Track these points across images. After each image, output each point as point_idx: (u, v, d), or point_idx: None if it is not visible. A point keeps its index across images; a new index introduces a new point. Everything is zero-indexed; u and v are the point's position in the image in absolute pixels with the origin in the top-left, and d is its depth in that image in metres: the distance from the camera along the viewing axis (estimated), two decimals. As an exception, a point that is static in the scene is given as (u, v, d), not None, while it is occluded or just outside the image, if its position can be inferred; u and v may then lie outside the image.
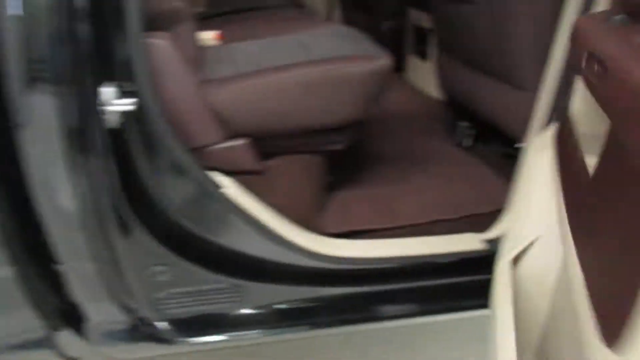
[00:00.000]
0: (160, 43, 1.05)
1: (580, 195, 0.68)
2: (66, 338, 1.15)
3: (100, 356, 1.21)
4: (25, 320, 1.08)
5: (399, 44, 2.47)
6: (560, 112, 0.99)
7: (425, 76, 2.30)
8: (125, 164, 1.01)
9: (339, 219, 1.44)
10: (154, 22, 1.09)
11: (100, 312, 1.14)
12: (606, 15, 0.84)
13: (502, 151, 1.83)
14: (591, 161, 0.72)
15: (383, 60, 1.33)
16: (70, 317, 1.14)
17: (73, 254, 1.02)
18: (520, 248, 1.00)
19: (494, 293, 0.96)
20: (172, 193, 1.09)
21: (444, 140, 2.00)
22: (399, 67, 2.56)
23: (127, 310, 1.16)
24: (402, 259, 1.32)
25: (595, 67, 0.65)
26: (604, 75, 0.60)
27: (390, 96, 2.32)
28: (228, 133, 1.22)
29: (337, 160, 1.55)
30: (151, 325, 1.20)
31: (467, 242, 1.38)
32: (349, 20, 2.87)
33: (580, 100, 0.93)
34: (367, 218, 1.46)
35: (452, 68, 1.87)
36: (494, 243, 1.39)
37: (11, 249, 0.99)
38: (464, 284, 1.40)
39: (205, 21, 1.94)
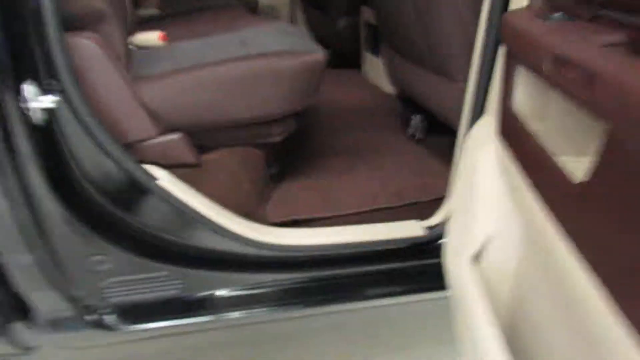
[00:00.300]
0: (85, 42, 1.10)
1: (570, 198, 0.70)
2: (19, 329, 1.19)
3: (53, 345, 1.26)
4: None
5: (354, 40, 2.53)
6: (499, 106, 0.99)
7: (379, 72, 2.37)
8: (54, 159, 1.05)
9: (282, 208, 1.49)
10: (80, 23, 1.14)
11: (45, 301, 1.18)
12: (536, 12, 0.86)
13: (451, 142, 1.89)
14: (562, 161, 0.73)
15: (315, 56, 1.39)
16: (19, 308, 1.18)
17: (10, 247, 1.06)
18: (476, 246, 1.01)
19: (462, 291, 0.96)
20: (105, 186, 1.14)
21: (396, 134, 2.06)
22: (356, 63, 2.62)
23: (71, 299, 1.20)
24: (343, 246, 1.38)
25: (572, 72, 0.65)
26: (588, 81, 0.60)
27: (347, 91, 2.41)
28: (162, 128, 1.27)
29: (281, 153, 1.61)
30: (96, 313, 1.25)
31: (408, 229, 1.44)
32: (309, 20, 2.94)
33: (526, 97, 0.92)
34: (310, 207, 1.51)
35: (396, 62, 1.94)
36: (435, 229, 1.46)
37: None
38: (406, 269, 1.46)
39: (155, 22, 2.00)
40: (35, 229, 1.05)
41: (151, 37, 1.63)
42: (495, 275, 1.01)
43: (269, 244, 1.30)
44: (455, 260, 1.06)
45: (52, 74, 0.99)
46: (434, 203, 1.57)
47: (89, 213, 1.13)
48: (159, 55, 1.50)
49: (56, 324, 1.21)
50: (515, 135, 0.92)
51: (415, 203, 1.60)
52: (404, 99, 2.15)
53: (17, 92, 0.95)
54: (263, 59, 1.33)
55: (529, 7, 0.97)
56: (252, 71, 1.30)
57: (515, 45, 0.90)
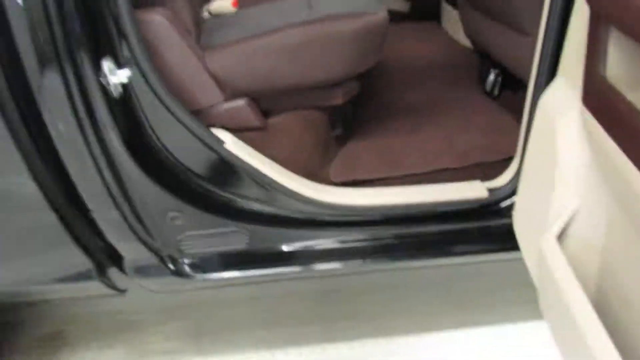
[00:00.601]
0: (156, 18, 1.20)
1: None
2: (113, 273, 1.39)
3: (140, 287, 1.44)
4: (75, 258, 1.32)
5: (433, -9, 2.45)
6: (584, 72, 0.90)
7: (458, 24, 2.28)
8: (131, 127, 1.18)
9: (344, 169, 1.55)
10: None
11: (132, 251, 1.35)
12: None
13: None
14: None
15: (376, 17, 1.39)
16: (113, 256, 1.36)
17: (100, 205, 1.23)
18: (562, 222, 0.98)
19: (551, 271, 0.92)
20: (179, 150, 1.26)
21: (470, 90, 2.01)
22: (436, 15, 2.53)
23: (153, 249, 1.36)
24: (402, 206, 1.41)
25: None
26: None
27: (424, 45, 2.35)
28: (229, 94, 1.36)
29: (345, 114, 1.65)
30: (176, 262, 1.40)
31: (471, 190, 1.44)
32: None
33: (619, 63, 0.83)
34: (371, 168, 1.55)
35: (471, 15, 1.86)
36: (500, 191, 1.44)
37: (54, 200, 1.21)
38: (469, 230, 1.47)
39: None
40: (119, 189, 1.20)
41: (224, 4, 1.71)
42: (582, 250, 0.99)
43: (328, 203, 1.37)
44: (537, 236, 1.03)
45: (127, 49, 1.11)
46: (500, 163, 1.55)
47: (165, 174, 1.26)
48: (229, 22, 1.57)
49: (141, 271, 1.38)
50: (607, 105, 0.84)
51: (481, 163, 1.58)
52: (481, 53, 2.07)
53: (97, 68, 1.07)
54: (323, 23, 1.36)
55: None
56: (312, 36, 1.34)
57: (604, 5, 0.82)
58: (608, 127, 0.84)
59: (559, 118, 1.01)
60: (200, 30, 1.56)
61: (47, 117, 1.07)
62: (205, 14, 1.73)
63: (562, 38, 1.17)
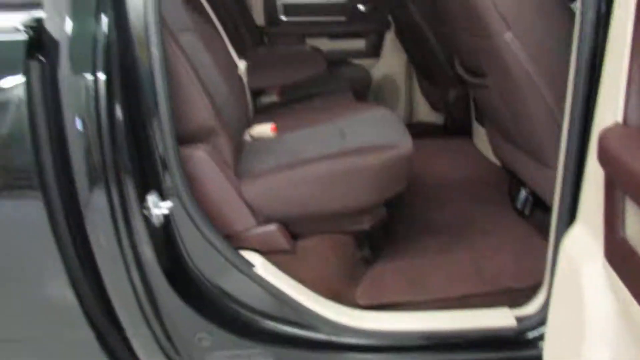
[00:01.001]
0: (198, 154, 1.33)
1: None
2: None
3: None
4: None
5: (465, 110, 2.56)
6: (605, 228, 0.94)
7: (486, 142, 2.36)
8: (169, 251, 1.28)
9: (371, 292, 1.57)
10: (195, 137, 1.38)
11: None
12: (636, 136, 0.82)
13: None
14: None
15: (401, 150, 1.49)
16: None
17: (132, 321, 1.30)
18: None
19: None
20: (211, 273, 1.34)
21: (501, 208, 2.03)
22: (468, 131, 2.64)
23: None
24: (427, 334, 1.42)
25: None
26: None
27: (455, 161, 2.43)
28: (261, 219, 1.45)
29: (373, 236, 1.71)
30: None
31: (498, 318, 1.43)
32: (423, 89, 3.04)
33: (637, 224, 0.85)
34: (397, 291, 1.58)
35: (496, 139, 1.94)
36: (528, 320, 1.43)
37: (93, 319, 1.30)
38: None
39: (273, 110, 2.26)
40: (152, 308, 1.27)
41: (264, 129, 1.86)
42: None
43: (353, 327, 1.40)
44: None
45: (171, 181, 1.23)
46: (529, 288, 1.54)
47: (196, 296, 1.33)
48: (267, 147, 1.71)
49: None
50: (628, 266, 0.87)
51: (509, 289, 1.58)
52: (511, 172, 2.12)
53: (142, 200, 1.19)
54: (351, 156, 1.46)
55: (625, 125, 0.93)
56: (341, 168, 1.44)
57: (618, 176, 0.86)
58: (630, 286, 0.86)
59: (584, 268, 1.03)
60: (241, 154, 1.71)
61: (90, 231, 1.18)
62: (247, 137, 1.89)
63: (580, 177, 1.22)
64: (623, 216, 0.87)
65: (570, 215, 1.26)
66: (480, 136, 2.46)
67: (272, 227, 1.46)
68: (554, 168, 1.48)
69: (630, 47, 0.90)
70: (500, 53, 1.36)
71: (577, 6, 1.13)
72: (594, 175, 1.05)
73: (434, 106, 3.06)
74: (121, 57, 1.11)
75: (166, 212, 1.22)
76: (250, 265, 1.37)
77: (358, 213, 1.54)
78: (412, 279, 1.62)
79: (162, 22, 1.16)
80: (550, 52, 1.33)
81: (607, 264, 0.94)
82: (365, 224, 1.55)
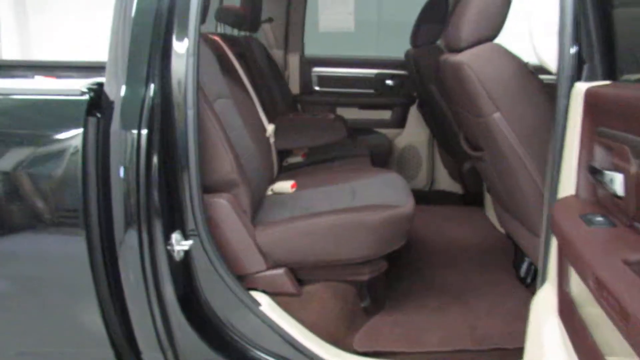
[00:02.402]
0: (221, 201, 1.54)
1: None
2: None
3: None
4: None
5: (478, 182, 2.71)
6: (558, 286, 1.09)
7: (496, 212, 2.50)
8: (186, 284, 1.46)
9: (368, 340, 1.70)
10: (219, 186, 1.59)
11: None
12: (581, 210, 0.96)
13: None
14: None
15: (401, 210, 1.65)
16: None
17: (147, 345, 1.46)
18: None
19: None
20: (222, 308, 1.51)
21: (504, 275, 2.14)
22: (481, 202, 2.77)
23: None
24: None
25: (611, 300, 0.69)
26: (624, 317, 0.65)
27: (465, 229, 2.57)
28: (271, 264, 1.62)
29: (374, 288, 1.84)
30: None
31: None
32: (443, 160, 3.22)
33: (580, 285, 0.95)
34: (393, 341, 1.69)
35: (497, 207, 2.08)
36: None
37: (115, 341, 1.47)
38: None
39: (298, 169, 2.48)
40: (167, 336, 1.44)
41: (285, 186, 2.07)
42: None
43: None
44: None
45: (194, 223, 1.43)
46: (520, 350, 1.63)
47: (207, 328, 1.49)
48: (284, 201, 1.91)
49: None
50: (570, 318, 0.99)
51: (500, 348, 1.67)
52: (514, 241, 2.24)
53: (167, 238, 1.38)
54: (356, 212, 1.64)
55: (576, 197, 1.08)
56: (345, 222, 1.62)
57: (563, 247, 1.01)
58: (571, 336, 0.99)
59: (545, 323, 1.15)
60: (261, 206, 1.91)
61: (122, 266, 1.37)
62: (269, 192, 2.09)
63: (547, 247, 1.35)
64: (567, 274, 1.01)
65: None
66: (490, 206, 2.59)
67: (280, 271, 1.63)
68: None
69: (579, 136, 1.08)
70: (491, 132, 1.54)
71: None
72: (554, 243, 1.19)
73: (452, 176, 3.22)
74: (162, 116, 1.35)
75: (187, 248, 1.41)
76: (257, 304, 1.53)
77: (359, 264, 1.69)
78: (408, 332, 1.73)
79: (198, 88, 1.40)
80: (537, 133, 1.50)
81: (559, 319, 1.07)
82: (365, 275, 1.70)
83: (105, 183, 1.34)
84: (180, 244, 1.40)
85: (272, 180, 2.23)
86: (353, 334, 1.71)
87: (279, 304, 1.60)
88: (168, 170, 1.40)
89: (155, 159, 1.34)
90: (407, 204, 1.69)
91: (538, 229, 1.65)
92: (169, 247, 1.38)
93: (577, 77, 1.21)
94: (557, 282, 1.10)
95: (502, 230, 2.41)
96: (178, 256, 1.40)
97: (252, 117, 2.16)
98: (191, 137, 1.39)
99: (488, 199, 2.63)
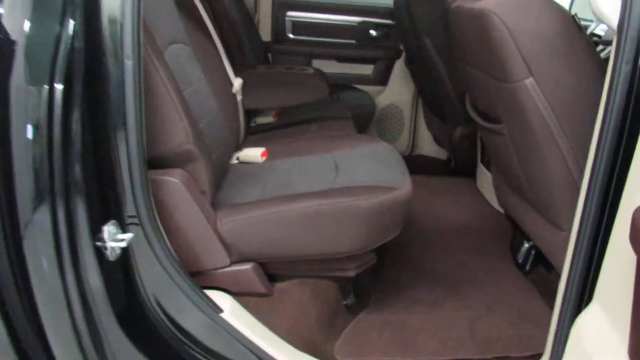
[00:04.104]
0: (171, 180, 1.19)
1: None
2: None
3: None
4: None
5: (471, 151, 2.42)
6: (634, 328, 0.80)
7: (491, 187, 2.22)
8: (124, 290, 1.12)
9: (351, 347, 1.42)
10: (169, 161, 1.23)
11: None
12: None
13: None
14: None
15: (397, 193, 1.34)
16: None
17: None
18: None
19: None
20: (172, 316, 1.18)
21: (502, 261, 1.88)
22: (472, 172, 2.50)
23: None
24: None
25: None
26: None
27: (456, 205, 2.29)
28: (236, 257, 1.30)
29: (360, 283, 1.55)
30: None
31: None
32: (429, 123, 2.91)
33: None
34: (382, 349, 1.42)
35: (504, 189, 1.79)
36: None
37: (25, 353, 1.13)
38: None
39: (268, 132, 2.12)
40: (97, 352, 1.11)
41: (254, 154, 1.72)
42: None
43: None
44: None
45: (134, 209, 1.08)
46: (525, 359, 1.39)
47: (152, 342, 1.17)
48: (252, 174, 1.57)
49: None
50: None
51: (504, 357, 1.42)
52: (514, 221, 1.98)
53: (96, 231, 1.03)
54: (341, 196, 1.31)
55: None
56: (328, 209, 1.29)
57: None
58: None
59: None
60: (223, 179, 1.56)
61: (28, 257, 1.01)
62: (235, 161, 1.74)
63: (595, 247, 1.08)
64: None
65: (581, 286, 1.12)
66: (485, 180, 2.32)
67: (247, 267, 1.31)
68: (567, 231, 1.35)
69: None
70: (519, 101, 1.22)
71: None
72: (618, 254, 0.91)
73: (438, 141, 2.92)
74: (88, 66, 0.97)
75: (124, 245, 1.06)
76: (217, 309, 1.21)
77: (344, 258, 1.38)
78: (399, 337, 1.46)
79: (141, 30, 1.02)
80: (576, 108, 1.20)
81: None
82: (351, 270, 1.40)
83: (5, 145, 0.96)
84: (115, 239, 1.05)
85: (239, 146, 1.87)
86: (334, 340, 1.42)
87: (246, 306, 1.29)
88: (98, 140, 1.04)
89: (76, 122, 0.96)
90: (403, 186, 1.38)
91: (562, 221, 1.38)
92: (98, 244, 1.03)
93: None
94: (626, 313, 0.82)
95: (498, 208, 2.14)
96: (113, 255, 1.05)
97: (215, 69, 1.77)
98: (130, 97, 1.03)
99: (482, 170, 2.35)
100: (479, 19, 1.23)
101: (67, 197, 0.98)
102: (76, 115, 0.96)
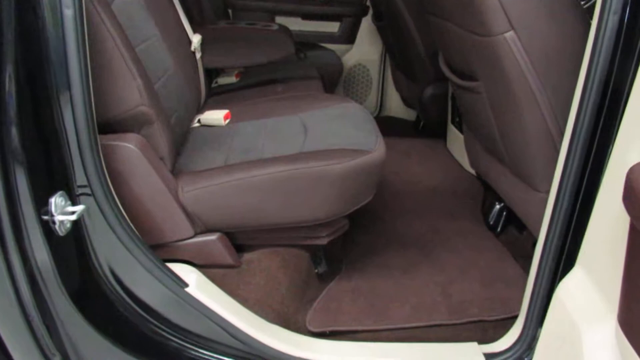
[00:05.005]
0: (126, 146, 1.08)
1: None
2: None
3: None
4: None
5: (441, 111, 2.37)
6: (625, 299, 0.76)
7: (462, 148, 2.18)
8: (77, 267, 1.03)
9: (323, 316, 1.37)
10: (123, 124, 1.12)
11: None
12: None
13: (534, 240, 1.67)
14: None
15: (370, 157, 1.27)
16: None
17: (25, 353, 1.04)
18: None
19: None
20: (132, 293, 1.10)
21: (474, 222, 1.86)
22: (442, 133, 2.45)
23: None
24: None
25: None
26: None
27: (427, 167, 2.25)
28: (200, 228, 1.21)
29: (331, 250, 1.49)
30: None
31: (464, 355, 1.26)
32: (397, 82, 2.83)
33: None
34: (355, 317, 1.37)
35: (477, 150, 1.75)
36: (497, 358, 1.26)
37: None
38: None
39: (231, 92, 2.00)
40: (50, 336, 1.02)
41: (216, 117, 1.61)
42: None
43: (299, 358, 1.19)
44: None
45: (85, 177, 0.98)
46: (501, 321, 1.38)
47: (112, 322, 1.09)
48: (215, 137, 1.47)
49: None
50: None
51: (480, 320, 1.41)
52: (485, 183, 1.95)
53: (42, 204, 0.93)
54: (310, 160, 1.23)
55: None
56: (298, 174, 1.21)
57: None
58: None
59: (587, 331, 0.84)
60: (185, 144, 1.46)
61: None
62: (196, 124, 1.63)
63: (574, 207, 1.05)
64: None
65: (560, 248, 1.10)
66: (456, 141, 2.28)
67: (212, 237, 1.23)
68: (544, 192, 1.32)
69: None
70: (498, 56, 1.15)
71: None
72: (606, 216, 0.87)
73: (406, 102, 2.86)
74: (18, 16, 0.84)
75: (74, 218, 0.96)
76: (182, 283, 1.13)
77: (316, 225, 1.32)
78: (372, 304, 1.42)
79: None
80: (557, 63, 1.14)
81: (620, 333, 0.75)
82: (323, 239, 1.34)
83: None
84: (64, 212, 0.95)
85: (200, 108, 1.75)
86: (306, 310, 1.37)
87: (212, 279, 1.22)
88: (38, 102, 0.92)
89: (9, 83, 0.84)
90: (377, 147, 1.31)
91: (538, 182, 1.34)
92: (45, 218, 0.93)
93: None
94: (614, 278, 0.78)
95: (469, 169, 2.11)
96: (62, 229, 0.95)
97: (171, 24, 1.62)
98: (73, 52, 0.91)
99: (452, 131, 2.31)
100: (456, -34, 1.14)
101: (4, 168, 0.87)
102: (8, 73, 0.84)
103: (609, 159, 0.89)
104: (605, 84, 0.93)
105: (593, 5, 1.03)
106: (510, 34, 1.12)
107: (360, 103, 2.94)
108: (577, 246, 1.01)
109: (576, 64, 1.00)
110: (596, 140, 0.97)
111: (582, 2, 1.54)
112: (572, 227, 1.06)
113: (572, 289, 0.92)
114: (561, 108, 1.16)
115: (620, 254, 0.75)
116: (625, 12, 0.90)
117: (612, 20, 0.90)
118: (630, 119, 0.81)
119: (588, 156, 0.99)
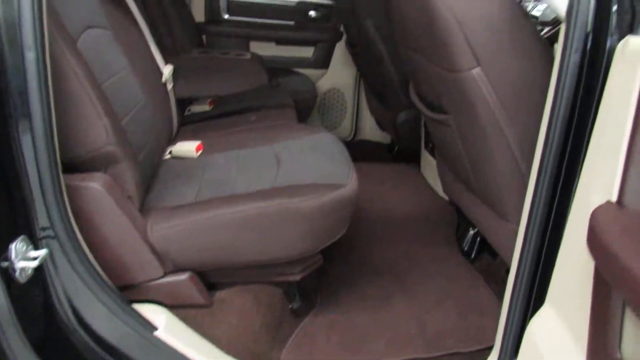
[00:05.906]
0: (92, 186, 1.05)
1: None
2: None
3: None
4: None
5: (414, 136, 2.38)
6: (593, 345, 0.76)
7: (435, 174, 2.20)
8: (41, 314, 0.99)
9: (299, 353, 1.34)
10: (89, 164, 1.10)
11: None
12: (631, 224, 0.67)
13: (507, 267, 1.68)
14: None
15: (343, 191, 1.26)
16: None
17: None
18: None
19: None
20: (100, 338, 1.06)
21: (448, 250, 1.86)
22: (414, 158, 2.47)
23: None
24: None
25: None
26: None
27: (400, 192, 2.25)
28: (170, 267, 1.18)
29: (305, 285, 1.47)
30: None
31: None
32: (372, 107, 2.85)
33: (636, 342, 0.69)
34: (331, 352, 1.35)
35: (449, 178, 1.76)
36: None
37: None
38: None
39: (203, 122, 1.98)
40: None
41: (188, 148, 1.59)
42: None
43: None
44: None
45: (48, 220, 0.95)
46: (476, 352, 1.38)
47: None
48: (187, 171, 1.45)
49: None
50: None
51: (456, 353, 1.40)
52: (459, 209, 1.96)
53: (1, 252, 0.89)
54: (283, 197, 1.21)
55: (619, 205, 0.74)
56: (270, 211, 1.19)
57: (611, 275, 0.68)
58: None
59: None
60: (155, 178, 1.43)
61: None
62: (167, 156, 1.61)
63: (544, 240, 1.05)
64: (621, 330, 0.68)
65: (530, 281, 1.09)
66: (429, 166, 2.30)
67: (182, 277, 1.20)
68: (513, 223, 1.32)
69: (633, 116, 0.72)
70: (466, 92, 1.17)
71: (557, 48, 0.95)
72: (572, 257, 0.87)
73: (381, 126, 2.88)
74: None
75: (36, 264, 0.93)
76: (151, 327, 1.10)
77: (287, 262, 1.30)
78: (347, 339, 1.40)
79: (44, 15, 0.88)
80: (525, 99, 1.15)
81: None
82: (297, 275, 1.32)
83: None
84: (25, 257, 0.92)
85: (172, 138, 1.73)
86: (280, 348, 1.34)
87: (184, 318, 1.19)
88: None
89: None
90: (349, 181, 1.30)
91: (508, 213, 1.35)
92: (5, 264, 0.90)
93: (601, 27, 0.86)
94: (581, 318, 0.78)
95: (442, 194, 2.12)
96: (23, 276, 0.92)
97: (141, 55, 1.61)
98: (34, 94, 0.89)
99: (426, 156, 2.32)
100: (423, 2, 1.16)
101: None
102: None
103: (574, 197, 0.90)
104: (569, 121, 0.95)
105: (553, 35, 1.05)
106: (477, 70, 1.13)
107: (335, 127, 2.96)
108: (547, 281, 1.01)
109: (542, 100, 1.01)
110: (561, 177, 0.98)
111: (542, 33, 1.57)
112: (542, 262, 1.06)
113: (542, 327, 0.92)
114: (529, 143, 1.17)
115: (588, 294, 0.75)
116: (586, 50, 0.91)
117: (574, 59, 0.92)
118: (592, 158, 0.82)
119: (554, 193, 1.00)
